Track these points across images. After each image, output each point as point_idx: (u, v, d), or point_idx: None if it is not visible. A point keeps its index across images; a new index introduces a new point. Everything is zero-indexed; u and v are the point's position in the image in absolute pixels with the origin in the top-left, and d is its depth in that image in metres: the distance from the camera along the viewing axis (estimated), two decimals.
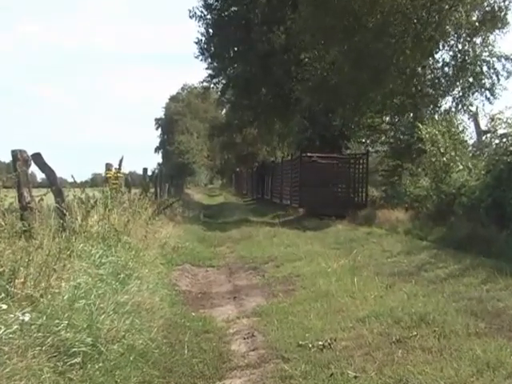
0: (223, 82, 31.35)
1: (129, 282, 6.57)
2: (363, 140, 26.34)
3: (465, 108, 20.32)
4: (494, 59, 20.08)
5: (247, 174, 49.86)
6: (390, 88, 20.04)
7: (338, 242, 14.07)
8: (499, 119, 13.36)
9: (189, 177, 61.86)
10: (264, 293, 8.43)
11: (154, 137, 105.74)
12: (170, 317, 6.55)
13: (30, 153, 6.82)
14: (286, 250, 12.27)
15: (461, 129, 17.03)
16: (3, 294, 4.50)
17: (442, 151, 15.35)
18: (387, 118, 23.93)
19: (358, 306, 6.70)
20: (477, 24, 19.47)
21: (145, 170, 17.47)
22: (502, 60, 20.09)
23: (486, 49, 20.05)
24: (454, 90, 20.44)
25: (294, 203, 25.32)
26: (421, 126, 16.17)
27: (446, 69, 20.54)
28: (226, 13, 28.96)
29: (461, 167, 15.02)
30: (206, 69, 30.82)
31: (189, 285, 9.39)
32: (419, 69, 20.65)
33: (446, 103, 20.99)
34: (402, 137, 22.03)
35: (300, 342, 5.54)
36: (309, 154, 23.80)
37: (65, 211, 7.27)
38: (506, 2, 19.14)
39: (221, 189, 69.93)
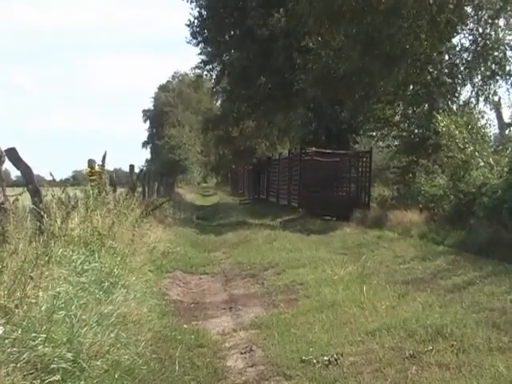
0: (218, 69, 31.37)
1: (114, 291, 6.56)
2: (373, 134, 26.37)
3: (486, 98, 20.29)
4: None
5: (244, 172, 49.88)
6: (403, 76, 20.02)
7: (345, 246, 14.11)
8: None
9: (180, 175, 61.73)
10: (263, 303, 8.44)
11: (142, 130, 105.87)
12: (160, 329, 6.54)
13: (3, 148, 6.80)
14: (288, 256, 12.28)
15: (483, 122, 17.02)
16: None
17: (460, 146, 15.33)
18: (400, 110, 23.94)
19: (367, 318, 6.70)
20: (500, 4, 19.43)
21: (131, 167, 17.48)
22: None
23: (510, 32, 20.01)
24: (473, 77, 20.41)
25: (292, 203, 25.71)
26: (439, 118, 16.13)
27: (465, 54, 20.51)
28: None
29: (481, 164, 15.00)
30: (199, 54, 30.86)
31: (180, 294, 9.40)
32: (435, 55, 20.63)
33: (465, 93, 21.00)
34: (416, 130, 22.04)
35: (303, 358, 5.54)
36: (308, 150, 24.08)
37: (42, 213, 7.25)
38: None
39: (215, 188, 69.96)
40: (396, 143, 24.24)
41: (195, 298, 9.13)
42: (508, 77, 20.05)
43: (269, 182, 34.37)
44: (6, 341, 4.24)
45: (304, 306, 7.76)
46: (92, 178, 10.08)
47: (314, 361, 5.42)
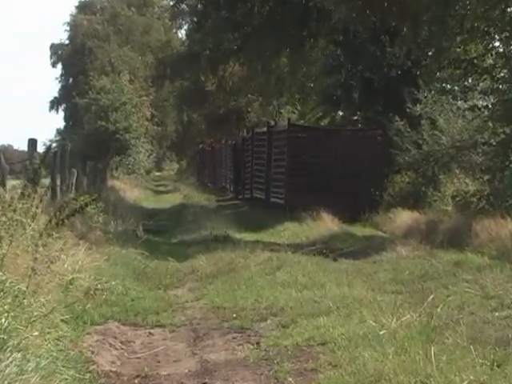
0: None
1: (0, 357, 6.54)
2: (448, 86, 26.37)
3: None
4: None
5: (224, 153, 49.82)
6: None
7: (398, 279, 14.16)
8: None
9: (117, 156, 61.66)
10: (259, 376, 8.46)
11: (50, 80, 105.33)
12: None
13: None
14: (301, 296, 12.30)
15: None
16: None
17: None
18: (495, 46, 23.92)
19: None
20: None
21: (32, 142, 17.43)
22: None
23: None
24: None
25: (274, 198, 28.40)
26: None
27: None
28: None
29: None
30: None
31: (116, 361, 9.39)
32: None
33: None
34: None
35: None
36: (297, 124, 25.81)
37: None
38: None
39: (177, 179, 69.89)
40: (488, 103, 24.21)
41: (142, 369, 9.09)
42: None
43: (241, 168, 37.53)
44: None
45: (329, 382, 7.76)
46: None
47: None
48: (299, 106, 38.30)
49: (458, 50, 23.84)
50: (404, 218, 22.41)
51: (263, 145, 31.89)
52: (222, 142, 50.97)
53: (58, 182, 19.11)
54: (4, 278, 8.67)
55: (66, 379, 7.31)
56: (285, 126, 30.08)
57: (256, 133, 35.27)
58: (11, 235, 9.79)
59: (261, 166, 32.08)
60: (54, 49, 79.53)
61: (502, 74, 23.26)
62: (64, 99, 77.93)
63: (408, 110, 26.25)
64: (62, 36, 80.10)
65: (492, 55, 23.91)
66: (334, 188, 26.45)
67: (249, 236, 21.78)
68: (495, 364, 7.77)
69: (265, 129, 33.18)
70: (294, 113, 38.49)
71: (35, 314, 8.46)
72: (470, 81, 24.67)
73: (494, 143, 22.51)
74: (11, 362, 6.54)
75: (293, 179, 26.94)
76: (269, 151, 30.34)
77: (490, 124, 23.06)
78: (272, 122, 35.12)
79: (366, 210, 25.47)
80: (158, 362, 9.51)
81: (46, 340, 7.93)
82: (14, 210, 10.67)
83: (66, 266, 11.82)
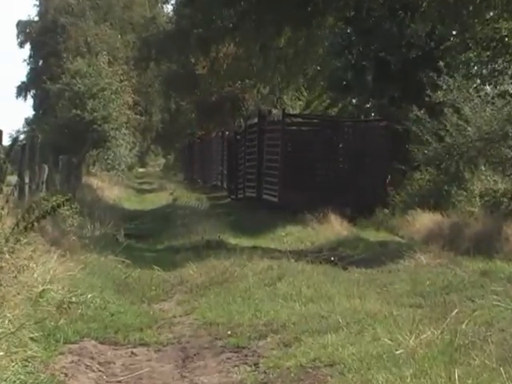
0: None
1: None
2: (474, 69, 26.32)
3: None
4: None
5: (216, 146, 49.76)
6: None
7: (417, 291, 14.14)
8: None
9: (94, 150, 61.61)
10: None
11: (17, 63, 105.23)
12: None
13: None
14: (307, 310, 12.31)
15: None
16: None
17: None
18: None
19: None
20: None
21: None
22: None
23: None
24: None
25: (267, 195, 29.08)
26: None
27: None
28: None
29: None
30: None
31: None
32: None
33: None
34: None
35: None
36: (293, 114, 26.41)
37: None
38: None
39: (163, 176, 69.80)
40: None
41: None
42: None
43: (236, 164, 38.15)
44: None
45: None
46: None
47: None
48: (305, 93, 38.25)
49: (487, 28, 23.80)
50: (424, 220, 22.38)
51: (253, 137, 32.80)
52: (214, 133, 50.87)
53: (27, 180, 19.08)
54: None
55: None
56: (279, 115, 30.72)
57: (249, 124, 35.85)
58: None
59: (253, 161, 32.64)
60: (22, 26, 79.19)
61: None
62: (33, 84, 77.70)
63: (428, 97, 26.17)
64: (30, 12, 79.60)
65: None
66: (333, 185, 27.18)
67: (245, 241, 21.77)
68: None
69: (256, 119, 33.62)
70: (299, 99, 38.49)
71: (0, 331, 8.45)
72: (499, 63, 24.64)
73: None
74: None
75: (287, 175, 27.46)
76: (260, 143, 30.97)
77: None
78: (266, 111, 35.19)
79: (372, 210, 25.56)
80: None
81: (12, 361, 7.91)
82: None
83: (35, 275, 11.79)
